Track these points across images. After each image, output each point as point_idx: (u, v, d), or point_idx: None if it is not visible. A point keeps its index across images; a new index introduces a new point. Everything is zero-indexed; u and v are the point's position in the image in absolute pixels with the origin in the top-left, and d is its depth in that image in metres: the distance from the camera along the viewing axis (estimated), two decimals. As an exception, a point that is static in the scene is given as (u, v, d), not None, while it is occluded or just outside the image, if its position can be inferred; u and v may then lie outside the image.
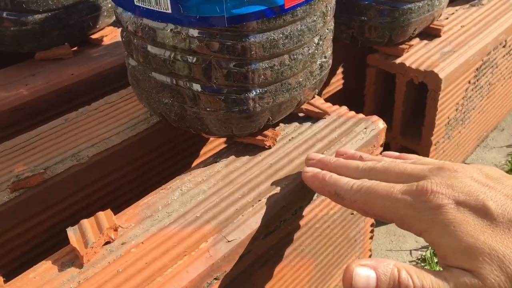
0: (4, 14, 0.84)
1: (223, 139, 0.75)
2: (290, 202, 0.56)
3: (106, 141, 0.65)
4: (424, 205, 0.36)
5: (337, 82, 1.05)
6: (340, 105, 0.72)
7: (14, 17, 0.84)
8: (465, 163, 1.00)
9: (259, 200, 0.55)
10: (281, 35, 0.55)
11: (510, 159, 1.10)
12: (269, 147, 0.63)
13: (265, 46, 0.55)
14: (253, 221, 0.52)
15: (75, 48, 0.95)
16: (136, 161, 0.68)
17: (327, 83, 1.02)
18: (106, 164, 0.64)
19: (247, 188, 0.57)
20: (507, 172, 1.06)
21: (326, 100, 1.02)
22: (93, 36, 0.97)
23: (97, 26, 0.96)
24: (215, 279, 0.49)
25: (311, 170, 0.50)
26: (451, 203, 0.35)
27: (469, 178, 0.36)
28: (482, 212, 0.34)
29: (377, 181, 0.41)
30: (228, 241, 0.50)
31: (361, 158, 0.51)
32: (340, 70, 1.05)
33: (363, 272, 0.33)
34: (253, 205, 0.54)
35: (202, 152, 0.79)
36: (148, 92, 0.61)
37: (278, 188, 0.57)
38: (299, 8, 0.55)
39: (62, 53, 0.91)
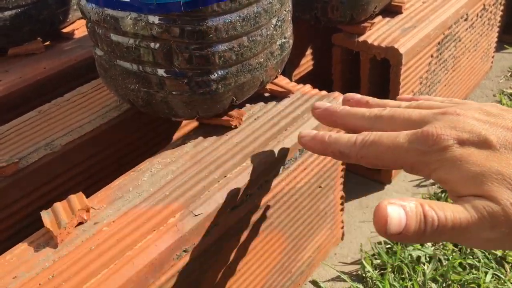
0: (-26, 12, 0.85)
1: (195, 124, 0.78)
2: (255, 176, 0.59)
3: (79, 130, 0.68)
4: (431, 148, 0.38)
5: (307, 64, 1.08)
6: (311, 85, 0.75)
7: (-16, 14, 0.86)
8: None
9: (225, 177, 0.58)
10: (238, 17, 0.58)
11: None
12: (236, 127, 0.66)
13: (223, 29, 0.57)
14: (218, 196, 0.55)
15: (47, 43, 0.97)
16: (109, 148, 0.70)
17: (296, 65, 1.05)
18: (80, 152, 0.66)
19: (213, 166, 0.59)
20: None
21: (297, 81, 1.05)
22: (65, 30, 0.98)
23: (68, 20, 0.98)
24: (184, 251, 0.52)
25: (307, 133, 0.48)
26: (456, 142, 0.38)
27: (471, 119, 0.39)
28: (485, 145, 0.37)
29: (380, 132, 0.42)
30: (195, 215, 0.52)
31: (367, 103, 0.52)
32: (309, 51, 1.07)
33: (395, 210, 0.35)
34: (219, 181, 0.57)
35: (175, 137, 0.81)
36: (115, 80, 0.63)
37: (244, 164, 0.59)
38: (253, -9, 0.58)
39: (35, 48, 0.92)
